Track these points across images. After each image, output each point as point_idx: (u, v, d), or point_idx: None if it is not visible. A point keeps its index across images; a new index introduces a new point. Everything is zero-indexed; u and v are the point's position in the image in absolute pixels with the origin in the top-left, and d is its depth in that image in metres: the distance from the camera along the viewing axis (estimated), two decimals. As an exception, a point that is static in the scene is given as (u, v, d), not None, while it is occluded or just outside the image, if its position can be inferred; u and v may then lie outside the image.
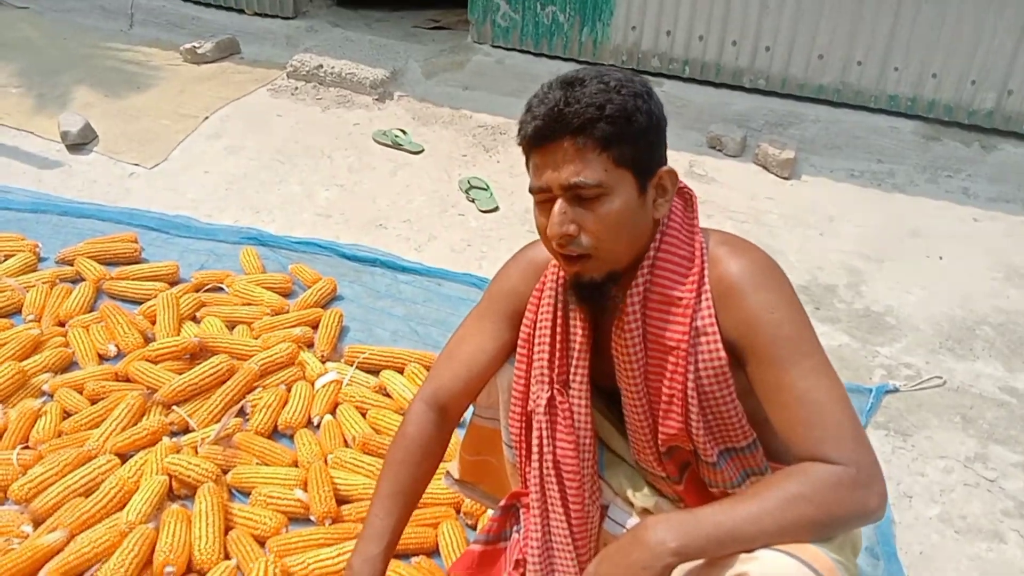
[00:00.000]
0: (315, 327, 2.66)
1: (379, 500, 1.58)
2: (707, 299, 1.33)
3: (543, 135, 1.27)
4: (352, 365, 2.49)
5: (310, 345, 2.60)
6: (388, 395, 2.41)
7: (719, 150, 3.83)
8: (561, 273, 1.46)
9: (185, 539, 1.88)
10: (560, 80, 1.29)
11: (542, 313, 1.48)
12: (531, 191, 1.33)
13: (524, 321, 1.51)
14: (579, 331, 1.45)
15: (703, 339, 1.33)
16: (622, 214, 1.29)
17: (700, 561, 1.26)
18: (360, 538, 1.58)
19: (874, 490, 1.23)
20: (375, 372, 2.50)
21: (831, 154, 3.85)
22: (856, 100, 4.06)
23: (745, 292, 1.32)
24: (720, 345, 1.32)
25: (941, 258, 3.25)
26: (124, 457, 2.14)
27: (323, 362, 2.52)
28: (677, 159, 3.63)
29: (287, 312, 2.72)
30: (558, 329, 1.47)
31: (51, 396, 2.36)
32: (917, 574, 2.01)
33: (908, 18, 3.80)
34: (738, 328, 1.31)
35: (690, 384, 1.34)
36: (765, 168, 3.73)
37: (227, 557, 1.89)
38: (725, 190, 3.61)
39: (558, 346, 1.47)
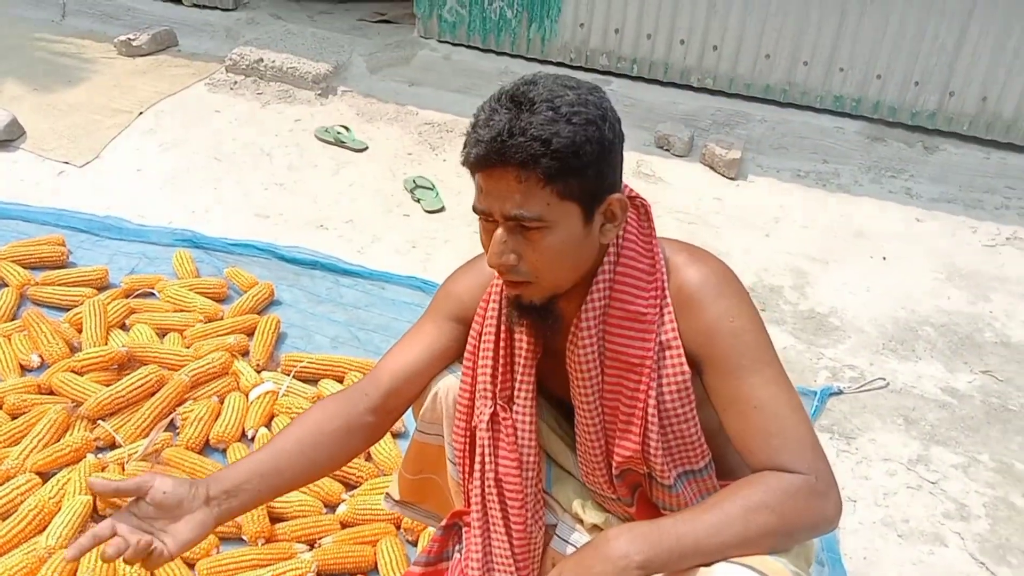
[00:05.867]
0: (251, 334, 2.56)
1: (272, 443, 1.41)
2: (669, 312, 1.30)
3: (486, 162, 1.20)
4: (289, 375, 2.40)
5: (245, 353, 2.50)
6: (327, 405, 2.33)
7: (667, 149, 3.82)
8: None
9: (110, 564, 1.78)
10: (509, 96, 1.21)
11: (487, 327, 1.44)
12: (474, 210, 1.28)
13: (470, 334, 1.47)
14: (524, 346, 1.41)
15: (667, 353, 1.30)
16: (564, 245, 1.25)
17: (657, 576, 1.23)
18: (225, 468, 1.42)
19: (832, 499, 1.23)
20: (313, 382, 2.42)
21: (777, 154, 3.86)
22: (802, 100, 4.07)
23: (705, 300, 1.29)
24: (684, 359, 1.29)
25: (885, 258, 3.28)
26: (46, 476, 2.04)
27: (258, 371, 2.43)
28: (625, 159, 3.59)
29: (221, 319, 2.62)
30: (502, 343, 1.43)
31: (-33, 411, 2.24)
32: (861, 580, 2.02)
33: (853, 19, 3.82)
34: (698, 337, 1.29)
35: (651, 402, 1.31)
36: (712, 168, 3.72)
37: (154, 582, 1.80)
38: (672, 190, 3.59)
39: (502, 361, 1.43)
